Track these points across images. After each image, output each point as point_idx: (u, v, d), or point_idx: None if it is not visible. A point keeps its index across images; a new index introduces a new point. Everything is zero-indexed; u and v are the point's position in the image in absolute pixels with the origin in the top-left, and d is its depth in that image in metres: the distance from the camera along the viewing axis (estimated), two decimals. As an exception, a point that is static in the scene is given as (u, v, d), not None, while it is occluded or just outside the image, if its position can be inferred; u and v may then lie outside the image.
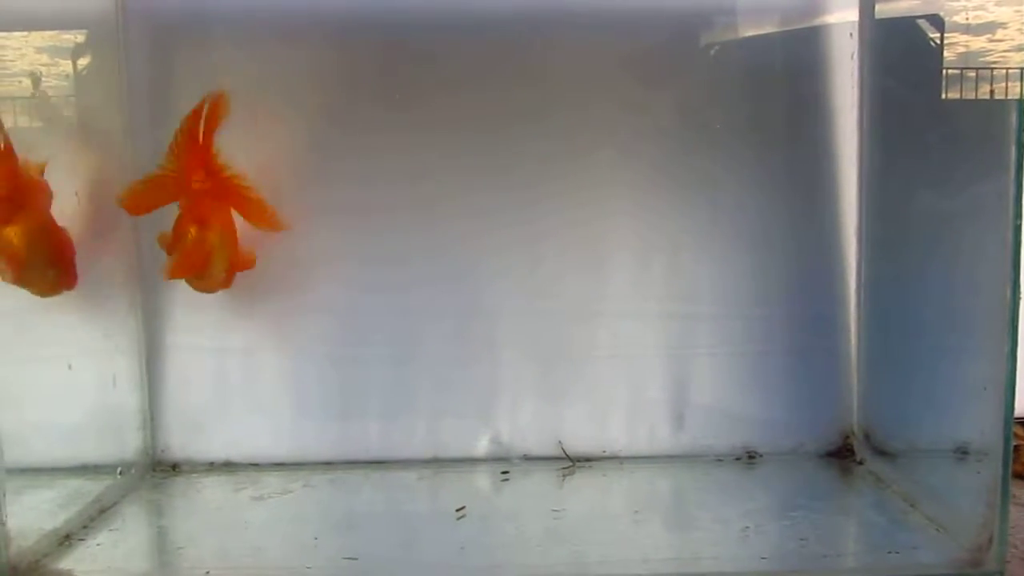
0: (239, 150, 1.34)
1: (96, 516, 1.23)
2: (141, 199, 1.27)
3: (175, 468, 1.41)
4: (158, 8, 1.36)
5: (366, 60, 1.37)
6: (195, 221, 1.26)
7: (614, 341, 1.40)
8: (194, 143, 1.24)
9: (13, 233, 1.17)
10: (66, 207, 1.24)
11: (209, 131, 1.24)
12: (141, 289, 1.39)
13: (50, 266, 1.21)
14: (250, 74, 1.36)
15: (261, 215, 1.29)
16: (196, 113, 1.24)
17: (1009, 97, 0.99)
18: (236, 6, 1.36)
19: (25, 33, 1.22)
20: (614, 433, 1.42)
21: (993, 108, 1.01)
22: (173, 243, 1.27)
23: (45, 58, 1.24)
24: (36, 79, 1.23)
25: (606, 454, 1.42)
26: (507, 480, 1.36)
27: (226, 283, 1.30)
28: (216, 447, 1.41)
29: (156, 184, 1.25)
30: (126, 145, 1.36)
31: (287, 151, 1.37)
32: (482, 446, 1.42)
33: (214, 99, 1.24)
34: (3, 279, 1.17)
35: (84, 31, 1.30)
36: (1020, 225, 0.97)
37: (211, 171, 1.25)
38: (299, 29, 1.35)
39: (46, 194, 1.20)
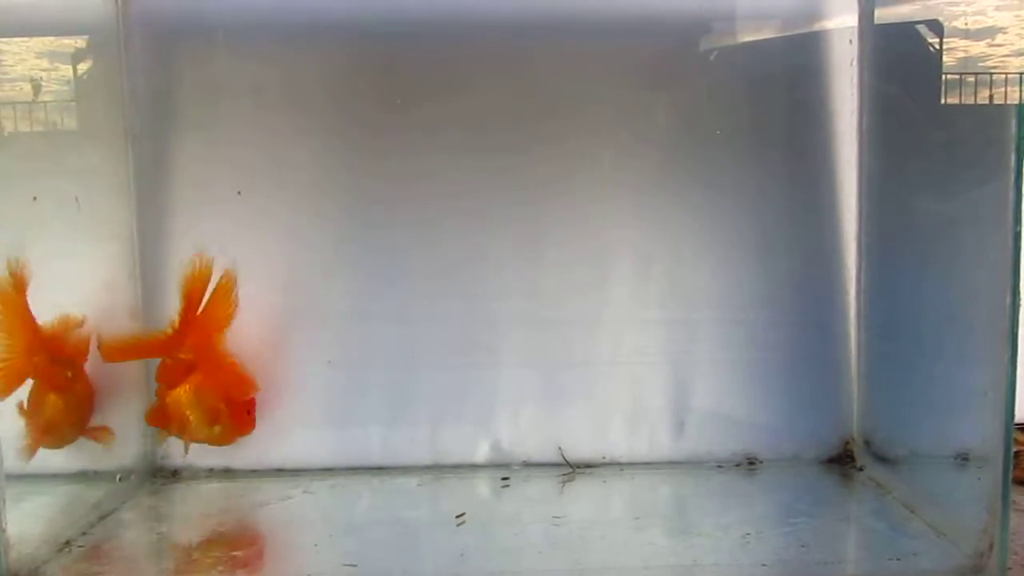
0: (239, 154, 1.35)
1: (96, 523, 1.23)
2: (122, 352, 1.30)
3: (175, 475, 1.41)
4: (159, 13, 1.36)
5: (367, 65, 1.37)
6: (168, 383, 1.30)
7: (614, 347, 1.40)
8: (192, 313, 1.28)
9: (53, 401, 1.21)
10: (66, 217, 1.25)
11: (212, 306, 1.28)
12: (142, 295, 1.39)
13: (74, 432, 1.25)
14: (250, 79, 1.36)
15: (241, 390, 1.32)
16: (201, 280, 1.27)
17: (1009, 102, 0.99)
18: (237, 12, 1.36)
19: (25, 38, 1.22)
20: (614, 439, 1.41)
21: (993, 114, 1.01)
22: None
23: (45, 63, 1.24)
24: (36, 85, 1.24)
25: (606, 460, 1.42)
26: (507, 486, 1.35)
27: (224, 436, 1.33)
28: (216, 454, 1.40)
29: (146, 344, 1.30)
30: (127, 151, 1.37)
31: (286, 156, 1.37)
32: (482, 452, 1.42)
33: (222, 279, 1.28)
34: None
35: (85, 36, 1.30)
36: (1020, 231, 0.97)
37: (199, 345, 1.29)
38: (300, 34, 1.36)
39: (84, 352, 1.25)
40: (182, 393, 1.28)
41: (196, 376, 1.29)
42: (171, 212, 1.37)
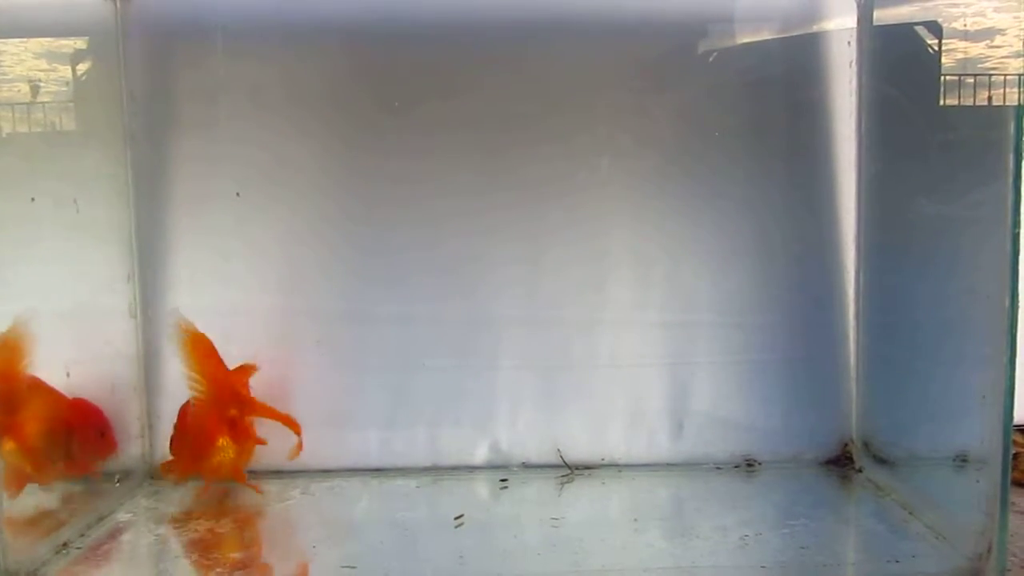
0: (238, 155, 1.35)
1: (94, 524, 1.23)
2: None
3: (173, 476, 1.41)
4: (158, 14, 1.36)
5: (366, 66, 1.37)
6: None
7: (613, 349, 1.40)
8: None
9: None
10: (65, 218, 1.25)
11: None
12: (140, 295, 1.39)
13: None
14: (249, 80, 1.36)
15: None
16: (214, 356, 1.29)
17: (1007, 103, 0.99)
18: (235, 14, 1.36)
19: (24, 39, 1.22)
20: (613, 441, 1.41)
21: (992, 115, 1.01)
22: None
23: (44, 64, 1.24)
24: (35, 86, 1.23)
25: (605, 462, 1.41)
26: (506, 488, 1.35)
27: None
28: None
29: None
30: (125, 152, 1.37)
31: (285, 157, 1.37)
32: (481, 454, 1.42)
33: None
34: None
35: (83, 37, 1.30)
36: (1018, 233, 0.97)
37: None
38: (298, 35, 1.36)
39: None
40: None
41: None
42: (170, 213, 1.37)
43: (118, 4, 1.35)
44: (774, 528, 1.18)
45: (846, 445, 1.41)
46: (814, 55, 1.37)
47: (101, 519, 1.25)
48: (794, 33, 1.37)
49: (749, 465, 1.41)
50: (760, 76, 1.37)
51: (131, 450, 1.38)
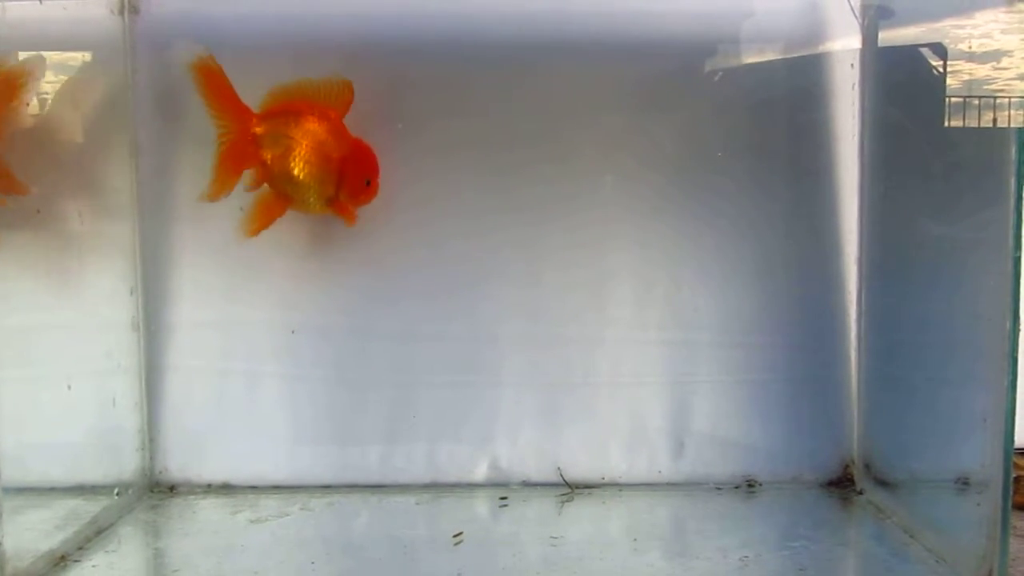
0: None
1: (92, 537, 1.23)
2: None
3: (173, 490, 1.40)
4: (165, 31, 1.36)
5: (369, 86, 1.37)
6: None
7: (614, 368, 1.40)
8: None
9: None
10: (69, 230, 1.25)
11: None
12: (143, 309, 1.39)
13: None
14: (254, 96, 1.36)
15: None
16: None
17: (1013, 125, 0.99)
18: (243, 30, 1.37)
19: (33, 53, 1.22)
20: (613, 460, 1.41)
21: (994, 137, 1.01)
22: None
23: (51, 77, 1.25)
24: (43, 100, 1.24)
25: (605, 481, 1.41)
26: (506, 506, 1.35)
27: None
28: (214, 469, 1.40)
29: None
30: (131, 165, 1.37)
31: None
32: (481, 472, 1.41)
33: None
34: None
35: (91, 51, 1.30)
36: (1020, 256, 0.97)
37: None
38: (303, 53, 1.36)
39: None
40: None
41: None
42: (174, 226, 1.38)
43: (126, 19, 1.36)
44: (774, 550, 1.18)
45: (847, 466, 1.41)
46: (817, 77, 1.37)
47: (100, 532, 1.24)
48: (797, 54, 1.37)
49: (750, 486, 1.40)
50: (763, 97, 1.38)
51: (131, 464, 1.38)
